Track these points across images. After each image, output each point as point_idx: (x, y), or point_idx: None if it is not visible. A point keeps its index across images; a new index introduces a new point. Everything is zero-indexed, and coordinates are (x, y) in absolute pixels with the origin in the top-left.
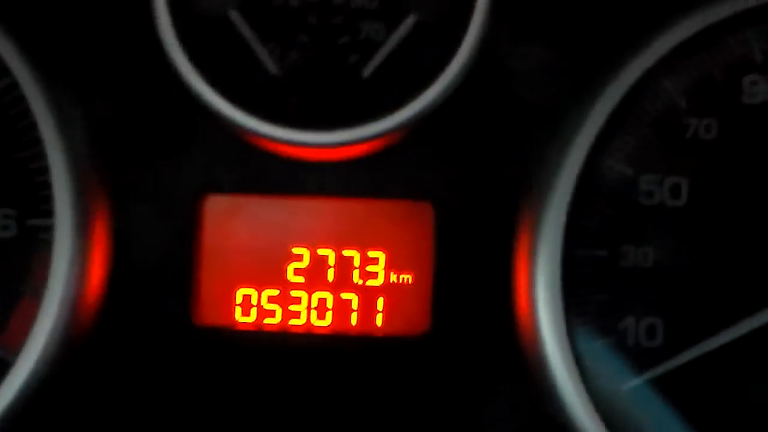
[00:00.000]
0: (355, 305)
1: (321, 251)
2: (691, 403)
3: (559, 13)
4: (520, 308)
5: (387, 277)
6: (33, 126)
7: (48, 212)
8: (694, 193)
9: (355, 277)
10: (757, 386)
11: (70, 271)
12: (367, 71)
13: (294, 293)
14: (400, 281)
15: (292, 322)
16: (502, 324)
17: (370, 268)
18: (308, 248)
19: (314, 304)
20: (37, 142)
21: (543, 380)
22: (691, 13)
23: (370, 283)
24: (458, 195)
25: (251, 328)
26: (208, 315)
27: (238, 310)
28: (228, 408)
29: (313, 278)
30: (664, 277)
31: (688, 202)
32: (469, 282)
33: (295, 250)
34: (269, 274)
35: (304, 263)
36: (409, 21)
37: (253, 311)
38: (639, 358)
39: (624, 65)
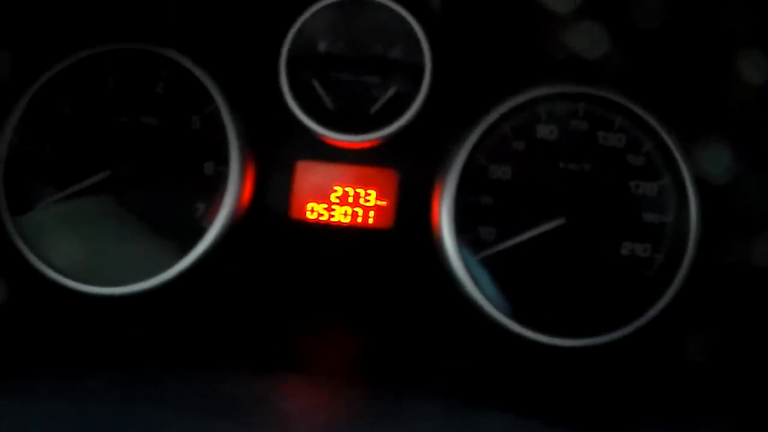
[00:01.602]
0: (360, 213)
1: (347, 188)
2: (508, 271)
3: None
4: (434, 222)
5: (375, 201)
6: (224, 130)
7: (226, 162)
8: (515, 174)
9: (361, 200)
10: (545, 268)
11: (237, 190)
12: (373, 109)
13: (334, 206)
14: (381, 204)
15: (332, 219)
16: (426, 226)
17: (368, 197)
18: (341, 186)
19: (342, 211)
20: (225, 139)
21: (442, 259)
22: (512, 94)
23: (368, 204)
24: (410, 168)
25: (314, 221)
26: (295, 212)
27: (309, 213)
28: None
29: (342, 200)
30: (496, 212)
31: (511, 178)
32: (412, 204)
33: (335, 187)
34: (323, 197)
35: (339, 193)
36: (391, 90)
37: (315, 214)
38: (483, 245)
39: (479, 120)
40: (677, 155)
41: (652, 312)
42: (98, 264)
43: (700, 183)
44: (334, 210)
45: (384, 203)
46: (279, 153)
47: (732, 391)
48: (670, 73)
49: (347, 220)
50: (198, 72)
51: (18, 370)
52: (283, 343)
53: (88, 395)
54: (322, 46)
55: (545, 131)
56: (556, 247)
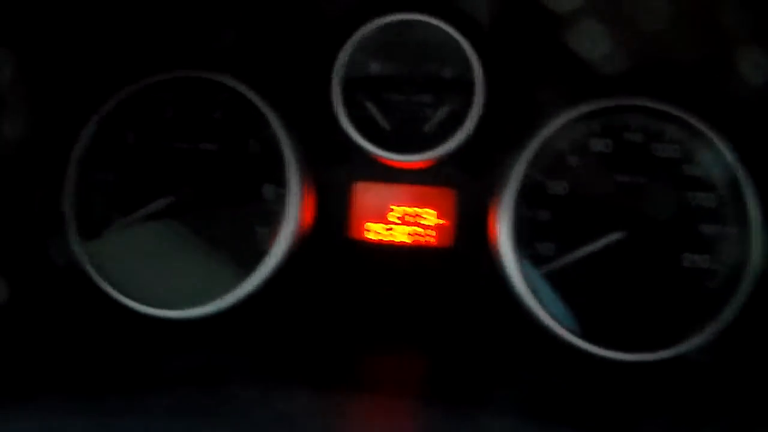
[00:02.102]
0: (419, 232)
1: (405, 208)
2: (569, 286)
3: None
4: (493, 239)
5: (434, 219)
6: (281, 153)
7: (285, 185)
8: (572, 189)
9: (420, 219)
10: (605, 282)
11: (296, 213)
12: (427, 128)
13: (392, 226)
14: (440, 222)
15: (389, 238)
16: (486, 243)
17: (427, 215)
18: (399, 206)
19: (401, 230)
20: (282, 162)
21: (502, 276)
22: (565, 109)
23: (427, 222)
24: (467, 186)
25: (374, 241)
26: (354, 233)
27: (367, 233)
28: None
29: (401, 219)
30: (554, 228)
31: (569, 192)
32: (471, 221)
33: (393, 207)
34: (381, 217)
35: (397, 213)
36: (444, 109)
37: (374, 234)
38: (543, 260)
39: (533, 136)
40: (735, 165)
41: (716, 324)
42: (161, 287)
43: (760, 192)
44: (393, 230)
45: (443, 222)
46: (336, 174)
47: None
48: (723, 81)
49: (407, 239)
50: (254, 97)
51: (88, 389)
52: (346, 364)
53: (154, 413)
54: (374, 68)
55: (600, 145)
56: (615, 261)
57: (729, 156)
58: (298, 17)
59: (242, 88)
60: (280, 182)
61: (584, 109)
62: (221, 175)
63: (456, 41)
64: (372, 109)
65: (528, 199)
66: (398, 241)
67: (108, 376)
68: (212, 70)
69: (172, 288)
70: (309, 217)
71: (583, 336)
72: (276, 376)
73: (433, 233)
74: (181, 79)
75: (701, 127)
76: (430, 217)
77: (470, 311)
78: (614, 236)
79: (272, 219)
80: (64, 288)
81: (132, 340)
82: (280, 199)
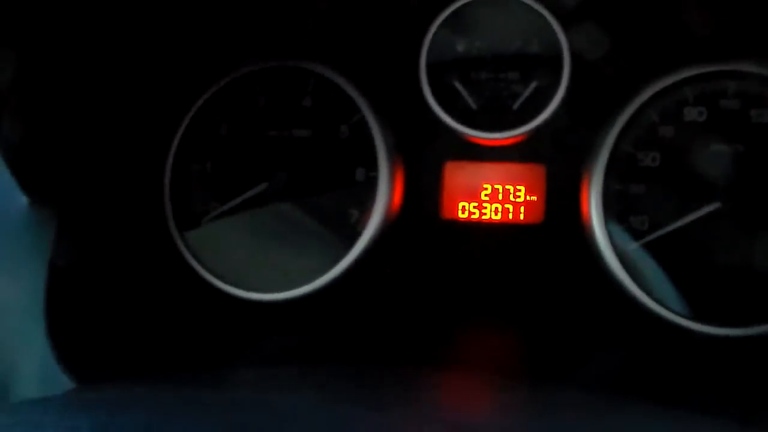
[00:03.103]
0: (510, 209)
1: (495, 185)
2: (663, 260)
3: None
4: (584, 214)
5: (525, 196)
6: (371, 137)
7: (376, 168)
8: (664, 161)
9: (511, 197)
10: (701, 256)
11: (388, 194)
12: (516, 105)
13: (484, 204)
14: (531, 199)
15: (484, 217)
16: (577, 219)
17: (518, 193)
18: (490, 184)
19: (492, 208)
20: (373, 145)
21: (594, 251)
22: (655, 78)
23: (518, 200)
24: (557, 162)
25: (466, 220)
26: (446, 213)
27: (460, 212)
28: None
29: (492, 197)
30: (647, 201)
31: (661, 164)
32: (561, 197)
33: (485, 185)
34: (473, 196)
35: (488, 190)
36: (532, 85)
37: (467, 213)
38: (636, 235)
39: (623, 107)
40: None
41: None
42: (259, 272)
43: None
44: (485, 208)
45: (533, 198)
46: (426, 155)
47: None
48: None
49: (498, 217)
50: (342, 83)
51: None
52: (441, 341)
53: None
54: (459, 47)
55: (694, 114)
56: (711, 234)
57: None
58: (383, 1)
59: (331, 75)
60: (372, 165)
61: (674, 77)
62: (313, 161)
63: (542, 16)
64: (459, 88)
65: (618, 173)
66: (488, 218)
67: (207, 361)
68: (301, 58)
69: (269, 272)
70: (400, 197)
71: (673, 308)
72: (369, 354)
73: (523, 209)
74: (271, 68)
75: None
76: (520, 193)
77: (562, 287)
78: (710, 208)
79: (364, 201)
80: (166, 278)
81: (231, 324)
82: (372, 182)
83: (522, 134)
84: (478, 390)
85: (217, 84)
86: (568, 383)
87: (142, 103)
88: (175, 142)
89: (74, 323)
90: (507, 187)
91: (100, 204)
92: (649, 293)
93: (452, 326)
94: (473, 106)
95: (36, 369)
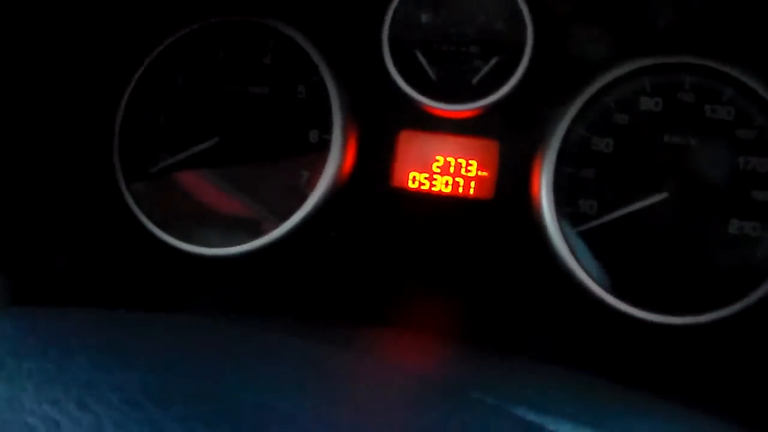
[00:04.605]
0: (461, 183)
1: (448, 158)
2: (609, 245)
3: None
4: (534, 194)
5: (476, 171)
6: (328, 99)
7: (330, 131)
8: (617, 147)
9: (462, 170)
10: (646, 244)
11: (340, 158)
12: (474, 80)
13: (435, 176)
14: (482, 174)
15: (434, 189)
16: (526, 197)
17: (470, 167)
18: (442, 156)
19: (443, 180)
20: (329, 108)
21: (541, 231)
22: (615, 65)
23: (469, 174)
24: (511, 139)
25: (415, 190)
26: (396, 181)
27: (410, 182)
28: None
29: (444, 170)
30: (597, 185)
31: (614, 150)
32: (512, 174)
33: (437, 157)
34: (425, 167)
35: (440, 162)
36: (493, 61)
37: (417, 183)
38: (584, 218)
39: (581, 91)
40: None
41: (759, 292)
42: (205, 226)
43: None
44: (435, 180)
45: (485, 174)
46: (382, 122)
47: None
48: None
49: (448, 189)
50: (304, 43)
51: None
52: (378, 303)
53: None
54: (424, 17)
55: (650, 103)
56: (658, 223)
57: None
58: None
59: (293, 34)
60: (326, 128)
61: (633, 65)
62: (268, 119)
63: None
64: (420, 58)
65: (571, 155)
66: (438, 190)
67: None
68: (265, 15)
69: (214, 227)
70: (351, 162)
71: (614, 293)
72: (306, 311)
73: (473, 184)
74: (233, 22)
75: (757, 87)
76: (471, 168)
77: (507, 264)
78: (658, 197)
79: (316, 163)
80: (111, 226)
81: (174, 276)
82: (325, 144)
83: (478, 108)
84: (407, 349)
85: (176, 34)
86: (503, 351)
87: (97, 48)
88: (128, 91)
89: (14, 259)
90: (459, 160)
91: (47, 146)
92: (592, 276)
93: (392, 290)
94: (433, 76)
95: None
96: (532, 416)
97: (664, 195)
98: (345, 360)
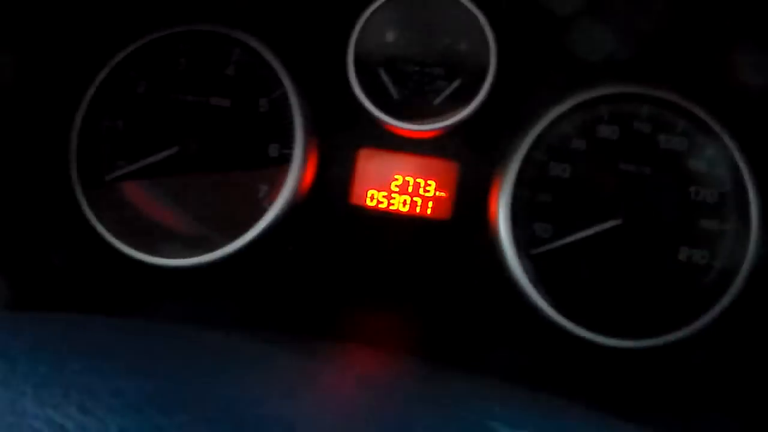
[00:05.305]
0: (418, 203)
1: (407, 177)
2: (563, 269)
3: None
4: (491, 216)
5: (435, 192)
6: (290, 114)
7: (291, 145)
8: (574, 173)
9: (421, 190)
10: (598, 268)
11: (299, 173)
12: (437, 101)
13: (393, 195)
14: (440, 195)
15: (391, 207)
16: (483, 219)
17: (428, 187)
18: (401, 175)
19: (401, 200)
20: (291, 122)
21: (497, 253)
22: (575, 92)
23: (427, 194)
24: (470, 161)
25: (373, 208)
26: (355, 198)
27: (368, 200)
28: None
29: (402, 189)
30: (553, 210)
31: (570, 176)
32: (470, 196)
33: (396, 176)
34: (384, 185)
35: (399, 181)
36: (456, 83)
37: (375, 201)
38: (539, 242)
39: (540, 116)
40: (740, 163)
41: (706, 319)
42: (161, 236)
43: (762, 191)
44: (393, 198)
45: (443, 194)
46: (343, 139)
47: None
48: (731, 77)
49: (406, 209)
50: (268, 56)
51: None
52: (332, 317)
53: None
54: (389, 37)
55: (607, 131)
56: (612, 248)
57: (734, 153)
58: None
59: (258, 46)
60: (287, 142)
61: (592, 93)
62: (229, 131)
63: (473, 15)
64: (384, 77)
65: (529, 179)
66: (396, 209)
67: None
68: (229, 26)
69: (171, 238)
70: (311, 178)
71: (568, 316)
72: (261, 324)
73: (431, 204)
74: (197, 32)
75: (709, 121)
76: (430, 188)
77: (463, 284)
78: (612, 223)
79: (275, 177)
80: (66, 234)
81: (126, 285)
82: (285, 159)
83: (439, 129)
84: (359, 361)
85: (140, 41)
86: (457, 367)
87: (60, 50)
88: (89, 96)
89: None
90: (418, 180)
91: (6, 154)
92: (546, 299)
93: (348, 305)
94: (395, 95)
95: None
96: (490, 421)
97: (617, 221)
98: (321, 370)
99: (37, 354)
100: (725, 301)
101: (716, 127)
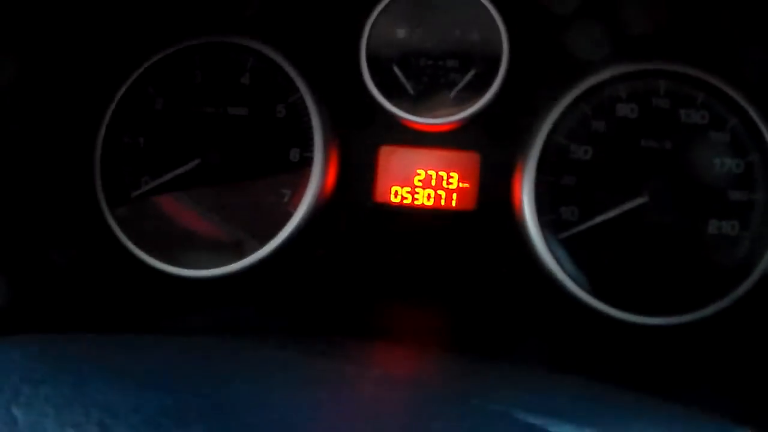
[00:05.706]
0: (443, 195)
1: (429, 171)
2: (591, 251)
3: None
4: (516, 203)
5: (458, 183)
6: (308, 117)
7: (311, 149)
8: (596, 154)
9: (444, 183)
10: (628, 247)
11: (321, 176)
12: (452, 94)
13: (417, 190)
14: (464, 186)
15: (416, 202)
16: (508, 207)
17: (451, 179)
18: (424, 169)
19: (425, 194)
20: (309, 126)
21: (525, 240)
22: (590, 73)
23: (450, 186)
24: (491, 150)
25: (398, 204)
26: (379, 196)
27: (392, 196)
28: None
29: (425, 183)
30: (578, 192)
31: (592, 158)
32: (493, 185)
33: (418, 170)
34: (407, 181)
35: (422, 176)
36: (470, 73)
37: (399, 197)
38: (565, 225)
39: (557, 100)
40: (764, 130)
41: (740, 290)
42: (188, 248)
43: None
44: (417, 193)
45: (466, 185)
46: (362, 138)
47: None
48: (752, 44)
49: (430, 202)
50: (282, 62)
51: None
52: (366, 316)
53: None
54: (400, 33)
55: (626, 110)
56: (640, 226)
57: (757, 120)
58: None
59: (270, 53)
60: (307, 146)
61: (608, 73)
62: (248, 139)
63: (483, 6)
64: (398, 73)
65: (551, 164)
66: (420, 203)
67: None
68: (241, 35)
69: (198, 249)
70: (333, 179)
71: (599, 297)
72: (296, 328)
73: (455, 196)
74: (210, 44)
75: (728, 91)
76: (453, 180)
77: (492, 274)
78: (638, 201)
79: (297, 182)
80: (95, 251)
81: (159, 299)
82: (306, 163)
83: (457, 121)
84: (394, 360)
85: (154, 57)
86: (491, 358)
87: (77, 73)
88: (108, 115)
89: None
90: (440, 173)
91: (28, 173)
92: (576, 282)
93: (380, 305)
94: (411, 91)
95: None
96: (533, 419)
97: (643, 199)
98: (347, 374)
99: (59, 375)
100: (758, 271)
101: (736, 97)
